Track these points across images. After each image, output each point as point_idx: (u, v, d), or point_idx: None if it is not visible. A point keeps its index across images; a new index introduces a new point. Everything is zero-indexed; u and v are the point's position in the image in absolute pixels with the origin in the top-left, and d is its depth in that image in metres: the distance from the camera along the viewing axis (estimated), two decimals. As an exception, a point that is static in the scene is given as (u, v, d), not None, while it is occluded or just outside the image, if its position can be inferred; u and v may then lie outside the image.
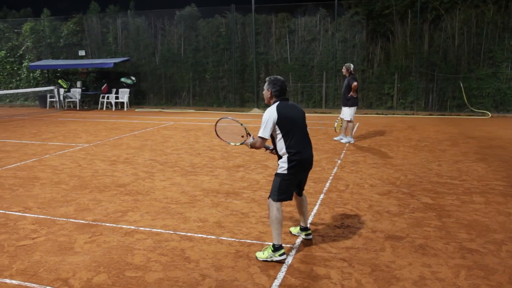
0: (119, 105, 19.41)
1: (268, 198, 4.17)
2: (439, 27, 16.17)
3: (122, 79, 19.35)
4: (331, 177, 7.00)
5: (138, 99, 20.32)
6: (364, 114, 16.06)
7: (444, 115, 15.65)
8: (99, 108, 19.47)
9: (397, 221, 5.00)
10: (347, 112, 9.88)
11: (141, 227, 4.91)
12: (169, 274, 3.78)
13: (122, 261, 4.05)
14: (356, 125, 12.83)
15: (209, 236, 4.60)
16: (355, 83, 9.66)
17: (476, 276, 3.70)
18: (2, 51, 22.43)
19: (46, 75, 21.65)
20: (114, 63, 18.76)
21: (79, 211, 5.47)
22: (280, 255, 3.96)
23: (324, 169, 7.56)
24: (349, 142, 9.98)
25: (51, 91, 19.84)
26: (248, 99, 18.91)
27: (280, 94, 4.19)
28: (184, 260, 4.04)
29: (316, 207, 5.54)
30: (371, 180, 6.82)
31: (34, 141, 10.75)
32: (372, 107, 17.17)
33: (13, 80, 22.51)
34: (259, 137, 4.10)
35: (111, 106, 19.34)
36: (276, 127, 4.07)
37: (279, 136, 4.09)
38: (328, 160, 8.27)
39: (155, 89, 20.25)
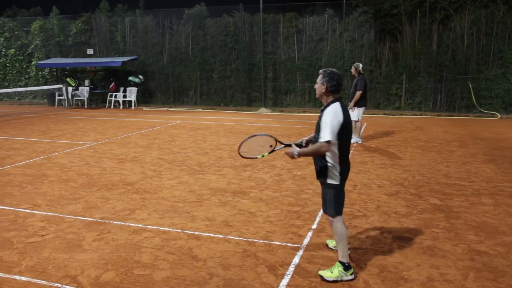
0: (127, 104, 19.48)
1: (326, 214, 3.83)
2: (448, 27, 16.07)
3: (130, 78, 19.42)
4: (338, 177, 6.97)
5: (145, 98, 20.38)
6: (372, 114, 16.00)
7: (452, 116, 15.55)
8: (106, 107, 19.56)
9: (405, 222, 4.98)
10: (354, 112, 9.78)
11: (148, 225, 4.93)
12: (176, 273, 3.79)
13: (130, 259, 4.07)
14: (364, 126, 12.79)
15: (216, 235, 4.61)
16: (359, 92, 9.53)
17: (485, 278, 3.67)
18: (12, 50, 22.61)
19: (55, 73, 21.79)
20: (122, 61, 18.86)
21: (87, 209, 5.50)
22: (351, 274, 3.67)
23: (332, 169, 7.53)
24: (356, 142, 9.94)
25: (60, 89, 19.97)
26: (256, 99, 18.91)
27: (336, 90, 3.74)
28: (192, 259, 4.05)
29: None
30: (379, 180, 6.79)
31: (43, 139, 10.82)
32: (379, 107, 17.10)
33: (22, 78, 22.67)
34: (327, 141, 3.55)
35: (119, 104, 19.42)
36: (337, 133, 3.62)
37: (335, 144, 3.63)
38: (336, 160, 8.25)
39: (162, 88, 20.31)
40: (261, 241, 4.46)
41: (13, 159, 8.45)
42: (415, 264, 3.93)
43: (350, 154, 8.79)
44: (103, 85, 20.80)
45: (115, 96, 19.45)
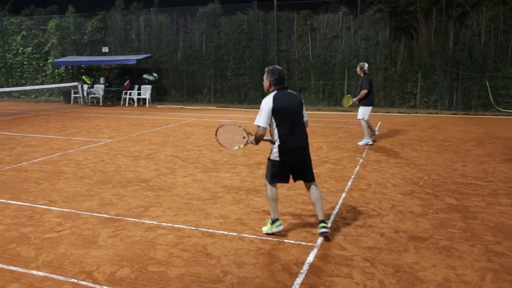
0: (141, 102, 19.62)
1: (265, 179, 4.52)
2: (464, 25, 15.84)
3: (144, 76, 19.55)
4: (353, 176, 6.94)
5: (159, 96, 20.50)
6: (387, 112, 15.86)
7: (468, 114, 15.33)
8: (121, 104, 19.72)
9: (421, 222, 4.93)
10: (359, 112, 9.66)
11: (163, 222, 4.95)
12: (191, 270, 3.80)
13: (145, 255, 4.09)
14: (379, 124, 12.70)
15: (230, 233, 4.62)
16: (364, 91, 9.41)
17: (503, 280, 3.62)
18: (29, 48, 22.93)
19: (71, 71, 22.04)
20: (137, 59, 18.98)
21: (102, 206, 5.55)
22: (277, 227, 4.44)
23: (346, 167, 7.49)
24: (367, 144, 9.54)
25: (75, 87, 20.20)
26: (269, 97, 18.86)
27: (278, 83, 4.39)
28: (206, 256, 4.06)
29: (338, 206, 5.50)
30: (394, 179, 6.73)
31: (59, 136, 10.96)
32: (394, 105, 16.94)
33: (39, 76, 22.99)
34: (260, 126, 4.29)
35: (133, 102, 19.57)
36: (271, 116, 4.30)
37: (274, 125, 4.34)
38: (350, 158, 8.20)
39: (176, 86, 20.40)
40: (275, 239, 4.45)
41: (30, 156, 8.57)
42: (431, 265, 3.88)
43: (365, 152, 8.73)
44: (117, 83, 20.97)
45: (130, 94, 19.61)
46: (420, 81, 16.54)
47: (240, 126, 4.69)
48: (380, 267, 3.84)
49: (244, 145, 4.61)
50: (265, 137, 4.42)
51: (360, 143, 9.66)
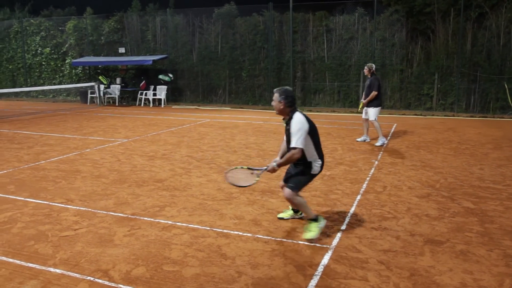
0: (157, 102, 19.77)
1: (286, 189, 4.49)
2: (483, 26, 15.61)
3: (160, 76, 19.71)
4: (368, 178, 6.89)
5: (175, 96, 20.63)
6: (402, 114, 15.72)
7: (486, 117, 15.11)
8: (137, 105, 19.90)
9: (437, 225, 4.87)
10: (371, 112, 9.73)
11: (178, 222, 4.98)
12: (205, 270, 3.82)
13: (160, 255, 4.12)
14: (394, 126, 12.60)
15: (245, 234, 4.62)
16: (374, 92, 9.50)
17: (521, 285, 3.56)
18: (47, 48, 23.28)
19: (88, 71, 22.31)
20: (153, 60, 19.14)
21: (118, 205, 5.61)
22: (321, 221, 4.53)
23: (361, 170, 7.45)
24: (383, 144, 9.68)
25: (92, 87, 20.45)
26: (284, 98, 18.83)
27: (293, 104, 4.48)
28: (221, 257, 4.08)
29: (352, 208, 5.47)
30: (410, 182, 6.67)
31: (76, 135, 11.10)
32: (410, 107, 16.78)
33: (57, 76, 23.32)
34: (298, 148, 4.31)
35: (149, 102, 19.72)
36: (308, 136, 4.40)
37: (310, 145, 4.46)
38: (365, 161, 8.15)
39: (191, 87, 20.50)
40: (290, 240, 4.45)
41: (48, 155, 8.70)
42: (447, 269, 3.84)
43: (380, 155, 8.67)
44: (134, 83, 21.17)
45: (145, 94, 19.77)
46: (437, 83, 16.35)
47: (242, 167, 4.73)
48: (395, 270, 3.81)
49: (258, 177, 4.63)
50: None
51: (377, 144, 9.67)
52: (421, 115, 15.72)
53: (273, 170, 4.47)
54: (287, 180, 4.65)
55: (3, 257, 4.09)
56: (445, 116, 15.44)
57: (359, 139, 10.24)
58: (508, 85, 15.22)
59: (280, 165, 4.42)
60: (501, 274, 3.74)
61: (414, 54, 16.73)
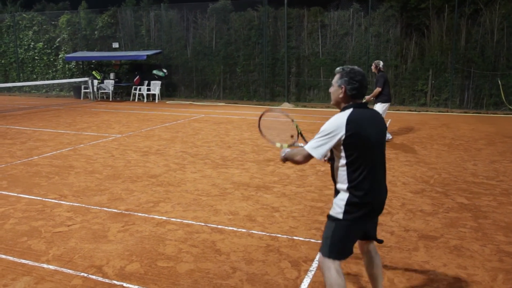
0: (151, 97, 19.69)
1: (319, 253, 2.87)
2: (477, 22, 15.66)
3: (154, 72, 19.62)
4: (362, 174, 6.89)
5: (169, 92, 20.55)
6: (397, 110, 15.76)
7: (480, 113, 15.19)
8: (131, 100, 19.81)
9: (431, 221, 4.89)
10: (377, 108, 9.57)
11: (172, 218, 4.96)
12: (200, 266, 3.81)
13: (154, 251, 4.11)
14: (388, 122, 12.62)
15: (239, 229, 4.62)
16: (378, 89, 9.44)
17: (514, 280, 3.58)
18: (40, 43, 23.08)
19: (81, 66, 22.16)
20: (147, 55, 19.04)
21: (112, 200, 5.58)
22: None
23: (355, 165, 7.45)
24: (387, 139, 9.55)
25: (86, 82, 20.32)
26: (279, 93, 18.85)
27: (358, 94, 2.79)
28: (215, 252, 4.07)
29: (347, 204, 5.46)
30: (404, 178, 6.69)
31: (69, 131, 11.03)
32: (404, 103, 16.83)
33: (50, 71, 23.15)
34: (307, 152, 2.72)
35: (143, 98, 19.64)
36: (341, 148, 2.70)
37: (342, 161, 2.74)
38: (359, 156, 8.15)
39: (186, 82, 20.43)
40: (284, 236, 4.45)
41: (41, 150, 8.64)
42: (441, 264, 3.85)
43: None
44: (127, 78, 21.06)
45: (139, 90, 19.68)
46: (431, 79, 16.40)
47: (293, 121, 3.53)
48: (390, 266, 3.82)
49: (288, 146, 3.29)
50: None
51: None
52: (415, 111, 15.78)
53: (282, 160, 3.00)
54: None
55: (-5, 253, 4.06)
56: (439, 112, 15.50)
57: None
58: (501, 81, 15.31)
59: (284, 160, 2.98)
60: (495, 269, 3.75)
61: (408, 50, 16.76)
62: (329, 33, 17.86)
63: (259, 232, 4.54)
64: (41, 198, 5.67)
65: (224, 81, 19.73)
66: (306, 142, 3.07)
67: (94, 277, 3.62)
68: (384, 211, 5.14)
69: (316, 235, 4.45)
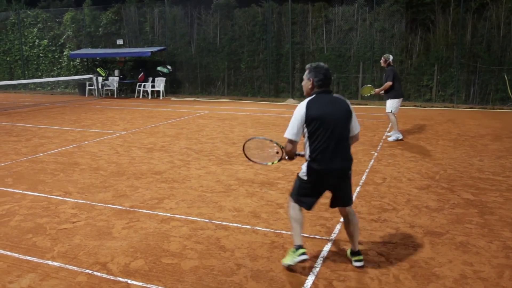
0: (155, 94, 19.69)
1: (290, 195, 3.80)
2: (483, 17, 15.52)
3: (159, 68, 19.62)
4: (367, 170, 6.87)
5: (173, 88, 20.55)
6: (402, 106, 15.57)
7: (486, 108, 15.08)
8: (135, 97, 19.82)
9: (437, 217, 4.86)
10: (387, 104, 9.36)
11: (177, 214, 4.96)
12: (204, 262, 3.80)
13: (159, 247, 4.10)
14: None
15: (244, 226, 4.60)
16: (388, 82, 9.10)
17: (521, 276, 3.55)
18: (45, 40, 23.13)
19: (86, 63, 22.19)
20: (151, 52, 19.03)
21: (116, 197, 5.58)
22: (300, 255, 3.53)
23: (360, 161, 7.42)
24: (397, 139, 9.21)
25: (90, 79, 20.35)
26: (283, 89, 18.80)
27: (323, 84, 3.52)
28: (220, 249, 4.06)
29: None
30: (409, 174, 6.65)
31: (74, 128, 11.05)
32: (410, 99, 16.72)
33: (54, 68, 23.21)
34: (288, 139, 3.54)
35: (147, 94, 19.65)
36: (304, 127, 3.48)
37: (306, 137, 3.53)
38: (365, 152, 8.12)
39: (190, 78, 20.42)
40: (289, 232, 4.42)
41: (46, 147, 8.66)
42: (447, 260, 3.82)
43: (379, 146, 8.64)
44: (132, 75, 21.08)
45: (144, 86, 19.69)
46: (436, 74, 16.29)
47: (271, 140, 4.09)
48: (395, 262, 3.79)
49: (278, 160, 3.95)
50: (297, 152, 3.69)
51: (390, 139, 9.26)
52: (420, 106, 15.69)
53: (287, 160, 3.83)
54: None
55: (1, 250, 4.07)
56: (444, 107, 15.40)
57: (390, 138, 9.47)
58: (508, 76, 15.17)
59: (287, 157, 3.78)
60: (501, 266, 3.72)
61: (413, 45, 16.65)
62: (334, 28, 17.77)
63: (264, 229, 4.52)
64: (46, 195, 5.68)
65: (228, 78, 19.70)
66: (280, 156, 3.92)
67: (98, 274, 3.63)
68: (389, 207, 5.15)
69: (321, 232, 4.44)
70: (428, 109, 14.97)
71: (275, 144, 4.04)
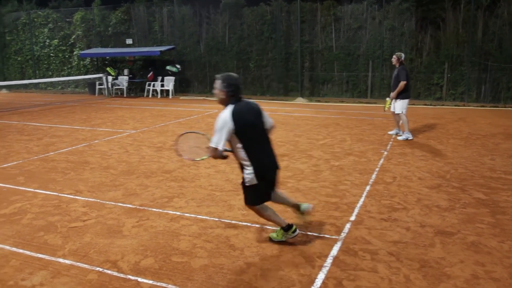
0: (164, 93, 19.76)
1: (246, 204, 4.06)
2: (494, 14, 15.33)
3: (168, 67, 19.69)
4: (377, 169, 6.83)
5: (182, 87, 20.60)
6: (412, 105, 15.46)
7: (497, 107, 14.91)
8: (145, 96, 19.91)
9: (447, 216, 4.82)
10: (398, 105, 9.23)
11: (186, 213, 4.97)
12: (214, 261, 3.81)
13: (168, 246, 4.12)
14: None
15: (253, 225, 4.60)
16: (403, 83, 8.94)
17: (534, 277, 3.51)
18: (55, 40, 23.32)
19: (95, 63, 22.33)
20: (160, 51, 19.09)
21: (126, 196, 5.61)
22: (293, 232, 4.07)
23: (370, 160, 7.38)
24: (407, 139, 9.13)
25: (100, 78, 20.48)
26: (292, 88, 18.75)
27: (236, 94, 3.83)
28: (229, 248, 4.06)
29: (362, 199, 5.42)
30: (420, 173, 6.60)
31: (84, 127, 11.13)
32: (420, 97, 16.59)
33: (65, 68, 23.39)
34: (211, 147, 3.73)
35: (157, 93, 19.72)
36: (234, 136, 3.75)
37: (239, 144, 3.78)
38: (374, 151, 8.08)
39: (199, 77, 20.46)
40: (299, 231, 4.41)
41: (57, 146, 8.73)
42: (458, 260, 3.79)
43: (389, 145, 8.59)
44: (141, 74, 21.17)
45: (153, 85, 19.77)
46: (447, 72, 16.15)
47: (204, 134, 4.24)
48: (405, 262, 3.77)
49: (208, 156, 4.02)
50: (226, 148, 3.86)
51: (400, 138, 9.19)
52: (430, 105, 15.56)
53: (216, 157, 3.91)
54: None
55: (13, 248, 4.11)
56: (455, 106, 15.26)
57: (391, 132, 9.71)
58: (519, 74, 14.99)
59: (216, 157, 3.88)
60: (514, 266, 3.69)
61: (423, 43, 16.51)
62: (343, 27, 17.69)
63: (273, 228, 4.51)
64: (57, 194, 5.73)
65: (237, 76, 19.67)
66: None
67: (109, 271, 3.65)
68: (399, 206, 5.12)
69: (330, 231, 4.42)
70: (439, 108, 14.85)
71: (207, 139, 4.09)
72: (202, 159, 4.20)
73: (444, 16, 16.04)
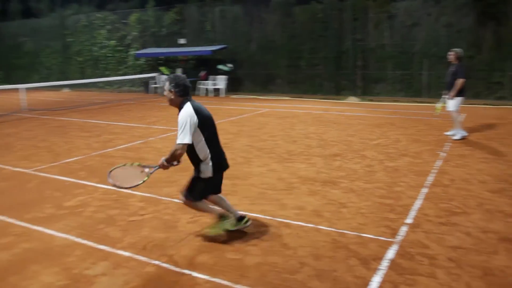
0: (216, 92, 20.06)
1: (184, 198, 4.20)
2: None
3: (219, 66, 19.96)
4: (434, 171, 6.59)
5: (234, 86, 20.81)
6: (471, 104, 14.86)
7: None
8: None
9: (512, 222, 4.57)
10: (452, 102, 8.89)
11: (239, 211, 5.01)
12: (267, 259, 3.82)
13: (223, 243, 4.17)
14: (463, 117, 11.95)
15: (307, 224, 4.58)
16: (462, 80, 8.56)
17: None
18: (112, 41, 24.28)
19: (150, 62, 23.03)
20: (212, 50, 19.38)
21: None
22: (245, 223, 4.34)
23: (426, 162, 7.13)
24: (463, 137, 8.83)
25: (154, 77, 21.09)
26: (344, 87, 18.45)
27: (185, 93, 4.02)
28: (282, 247, 4.06)
29: (418, 202, 5.25)
30: (481, 176, 6.30)
31: (140, 124, 11.51)
32: (479, 97, 15.81)
33: (121, 67, 24.29)
34: (181, 143, 3.85)
35: (209, 92, 20.05)
36: (198, 130, 3.93)
37: (201, 139, 3.98)
38: (431, 152, 7.80)
39: (250, 76, 20.60)
40: (353, 233, 4.35)
41: (115, 143, 9.08)
42: (525, 269, 3.59)
43: (447, 146, 8.27)
44: (194, 73, 21.60)
45: (205, 84, 20.12)
46: (510, 70, 15.31)
47: (132, 164, 4.23)
48: (466, 269, 3.61)
49: (148, 176, 4.11)
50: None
51: (455, 137, 8.86)
52: (492, 105, 14.81)
53: (163, 166, 4.05)
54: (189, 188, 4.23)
55: (78, 238, 4.32)
56: (518, 106, 14.44)
57: (448, 133, 9.31)
58: None
59: (168, 161, 4.01)
60: None
61: (483, 39, 15.74)
62: (396, 24, 17.20)
63: (327, 228, 4.47)
64: (116, 189, 5.94)
65: (288, 75, 19.67)
66: (150, 167, 4.16)
67: (166, 265, 3.76)
68: (459, 210, 4.91)
69: (386, 233, 4.32)
70: (501, 108, 14.11)
71: (137, 166, 4.21)
72: (144, 181, 4.11)
73: (505, 10, 15.20)
